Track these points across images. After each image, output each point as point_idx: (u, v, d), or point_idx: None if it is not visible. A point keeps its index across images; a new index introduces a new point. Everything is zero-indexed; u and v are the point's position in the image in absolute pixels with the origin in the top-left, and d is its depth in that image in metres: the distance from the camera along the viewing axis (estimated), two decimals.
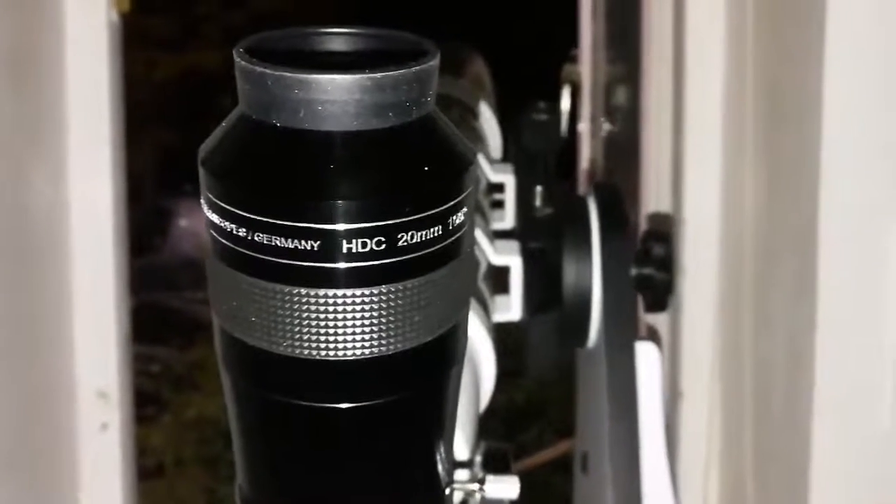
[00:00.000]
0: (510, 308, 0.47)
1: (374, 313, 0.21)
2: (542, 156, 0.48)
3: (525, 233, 0.48)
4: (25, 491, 0.66)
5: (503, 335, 0.44)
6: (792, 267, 0.60)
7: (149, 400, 1.79)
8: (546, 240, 0.47)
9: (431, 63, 0.21)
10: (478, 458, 0.35)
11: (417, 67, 0.21)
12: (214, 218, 0.21)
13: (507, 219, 0.53)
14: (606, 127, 1.10)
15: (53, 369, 0.71)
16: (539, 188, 0.48)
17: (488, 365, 0.39)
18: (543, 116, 0.47)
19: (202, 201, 0.22)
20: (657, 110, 0.80)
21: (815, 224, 0.55)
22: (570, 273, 0.45)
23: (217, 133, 0.22)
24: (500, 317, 0.47)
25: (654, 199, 0.79)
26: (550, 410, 1.57)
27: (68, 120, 0.72)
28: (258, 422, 0.24)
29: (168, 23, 2.73)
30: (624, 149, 1.00)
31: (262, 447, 0.24)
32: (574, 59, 1.15)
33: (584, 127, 1.13)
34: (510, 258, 0.47)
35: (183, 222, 2.81)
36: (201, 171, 0.22)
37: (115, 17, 0.73)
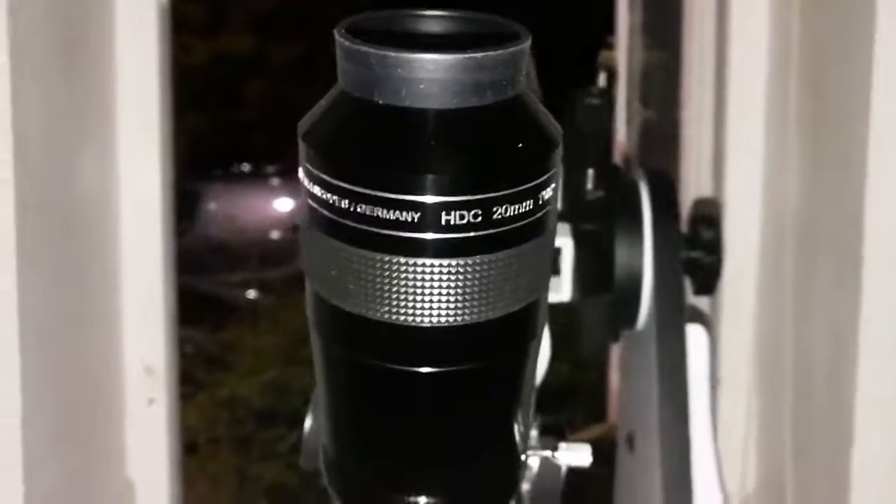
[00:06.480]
0: (560, 289, 0.48)
1: (469, 282, 0.22)
2: (594, 139, 0.48)
3: (576, 215, 0.49)
4: (75, 464, 0.68)
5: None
6: (835, 255, 0.60)
7: (182, 380, 1.82)
8: (597, 222, 0.48)
9: (526, 43, 0.22)
10: (534, 431, 0.36)
11: (514, 48, 0.22)
12: (316, 190, 0.22)
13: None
14: (642, 113, 1.10)
15: (102, 345, 0.73)
16: (591, 171, 0.48)
17: (544, 342, 0.40)
18: (597, 100, 0.48)
19: (301, 174, 0.23)
20: (699, 98, 0.80)
21: (861, 213, 0.55)
22: (622, 255, 0.46)
23: (317, 109, 0.23)
24: (550, 297, 0.47)
25: (694, 185, 0.80)
26: (581, 395, 1.57)
27: (118, 104, 0.73)
28: (348, 385, 0.25)
29: (197, 7, 2.75)
30: (661, 136, 1.00)
31: (349, 410, 0.25)
32: (610, 46, 1.15)
33: (619, 113, 1.13)
34: (561, 240, 0.48)
35: (212, 206, 2.84)
36: (302, 145, 0.23)
37: (164, 1, 0.74)
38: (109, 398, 0.73)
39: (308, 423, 0.35)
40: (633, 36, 1.11)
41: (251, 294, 2.43)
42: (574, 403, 1.57)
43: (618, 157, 1.08)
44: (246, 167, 3.04)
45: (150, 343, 0.75)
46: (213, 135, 2.88)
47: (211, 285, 2.40)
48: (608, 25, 1.14)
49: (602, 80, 0.55)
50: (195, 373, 1.92)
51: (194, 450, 1.68)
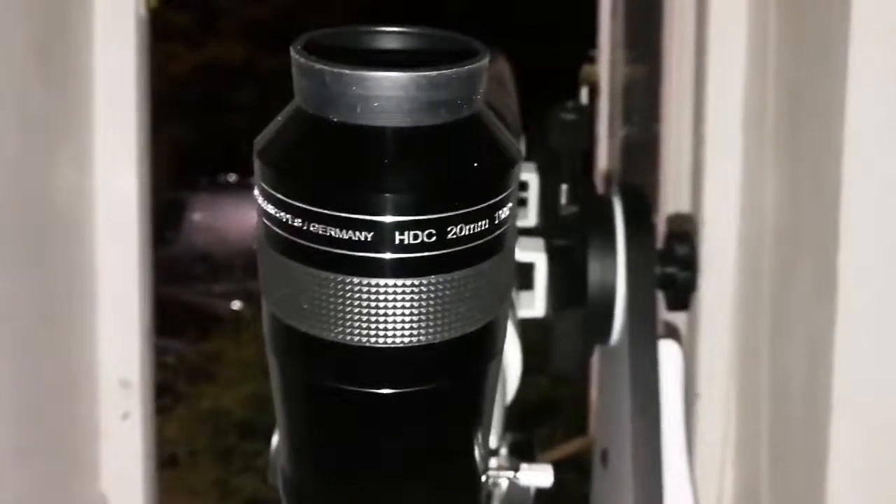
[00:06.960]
0: (534, 304, 0.48)
1: (423, 303, 0.22)
2: (568, 155, 0.48)
3: (550, 230, 0.48)
4: (45, 475, 0.67)
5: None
6: (811, 268, 0.61)
7: (163, 391, 1.81)
8: (571, 238, 0.48)
9: (482, 62, 0.22)
10: (503, 450, 0.36)
11: (470, 66, 0.21)
12: (269, 208, 0.22)
13: (529, 216, 0.54)
14: (624, 127, 1.11)
15: (77, 358, 0.72)
16: (565, 186, 0.48)
17: (514, 359, 0.40)
18: (571, 116, 0.48)
19: (256, 192, 0.23)
20: (677, 111, 0.80)
21: (836, 226, 0.55)
22: (595, 271, 0.46)
23: (272, 126, 0.23)
24: (523, 313, 0.47)
25: (672, 199, 0.80)
26: (563, 409, 1.57)
27: (95, 113, 0.73)
28: (304, 406, 0.24)
29: (186, 16, 2.75)
30: (642, 149, 1.00)
31: (306, 431, 0.25)
32: (592, 60, 1.15)
33: (601, 127, 1.13)
34: (535, 255, 0.48)
35: (197, 216, 2.83)
36: (257, 163, 0.22)
37: (143, 12, 0.74)
38: (83, 411, 0.73)
39: (275, 437, 0.35)
40: (615, 50, 1.11)
41: (235, 305, 2.41)
42: (555, 417, 1.57)
43: (598, 172, 1.08)
44: (233, 177, 3.03)
45: (126, 355, 0.74)
46: (200, 144, 2.86)
47: (195, 295, 2.38)
48: (591, 40, 1.14)
49: (584, 94, 0.56)
50: (177, 384, 1.91)
51: (175, 462, 1.67)
